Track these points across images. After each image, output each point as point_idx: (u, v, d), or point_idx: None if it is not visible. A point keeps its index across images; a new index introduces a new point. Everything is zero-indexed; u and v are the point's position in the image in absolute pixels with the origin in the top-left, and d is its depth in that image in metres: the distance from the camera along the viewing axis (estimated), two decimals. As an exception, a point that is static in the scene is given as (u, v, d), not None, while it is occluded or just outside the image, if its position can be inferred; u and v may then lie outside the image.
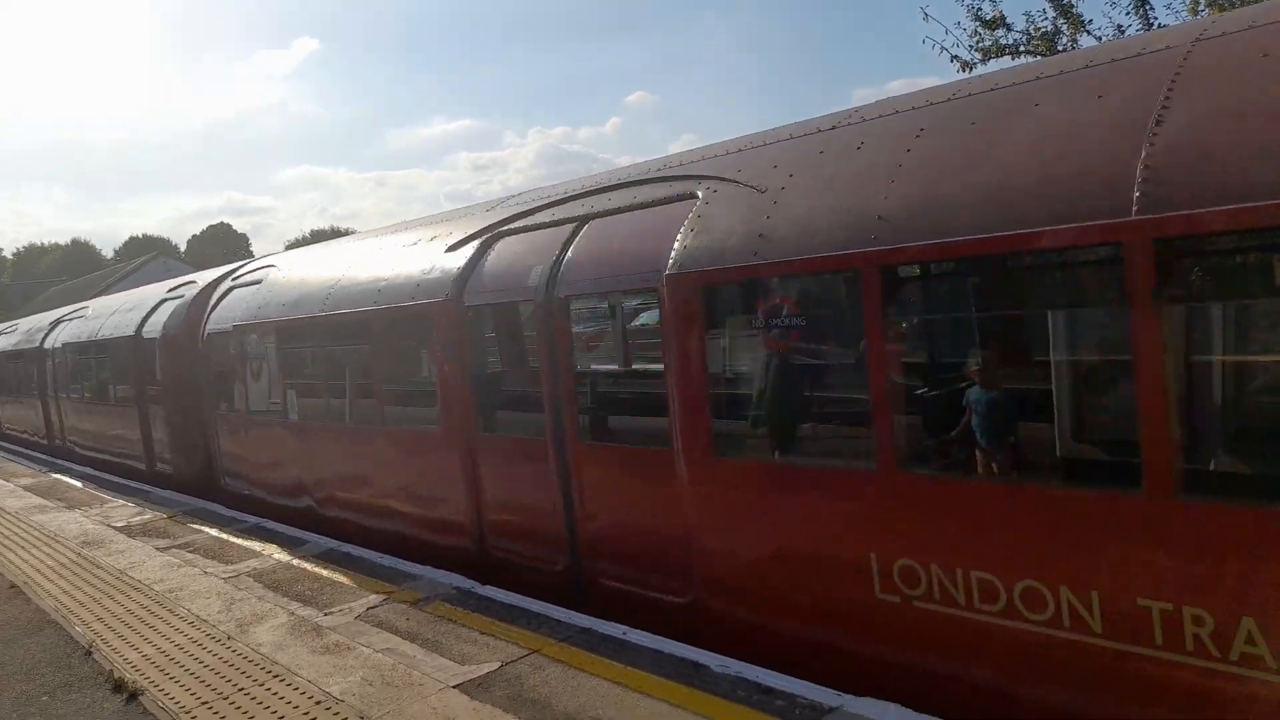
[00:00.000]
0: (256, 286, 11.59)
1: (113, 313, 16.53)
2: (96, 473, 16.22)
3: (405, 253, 8.89)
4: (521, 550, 7.29)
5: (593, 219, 6.81)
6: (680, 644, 5.50)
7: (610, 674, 5.25)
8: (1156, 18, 11.88)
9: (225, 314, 12.01)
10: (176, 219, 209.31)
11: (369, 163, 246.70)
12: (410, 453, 8.44)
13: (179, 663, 6.17)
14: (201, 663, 6.12)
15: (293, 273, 11.03)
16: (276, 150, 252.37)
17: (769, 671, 5.00)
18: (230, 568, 8.51)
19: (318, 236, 77.79)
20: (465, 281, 7.59)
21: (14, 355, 23.20)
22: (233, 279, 12.74)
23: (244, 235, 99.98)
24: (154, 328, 13.71)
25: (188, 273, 25.40)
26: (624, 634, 5.82)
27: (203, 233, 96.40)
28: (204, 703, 5.47)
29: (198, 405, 12.82)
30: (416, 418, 8.50)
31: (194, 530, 10.38)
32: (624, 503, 6.28)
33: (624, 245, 6.36)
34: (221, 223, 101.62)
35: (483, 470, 7.56)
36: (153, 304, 14.44)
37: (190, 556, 9.09)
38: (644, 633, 5.79)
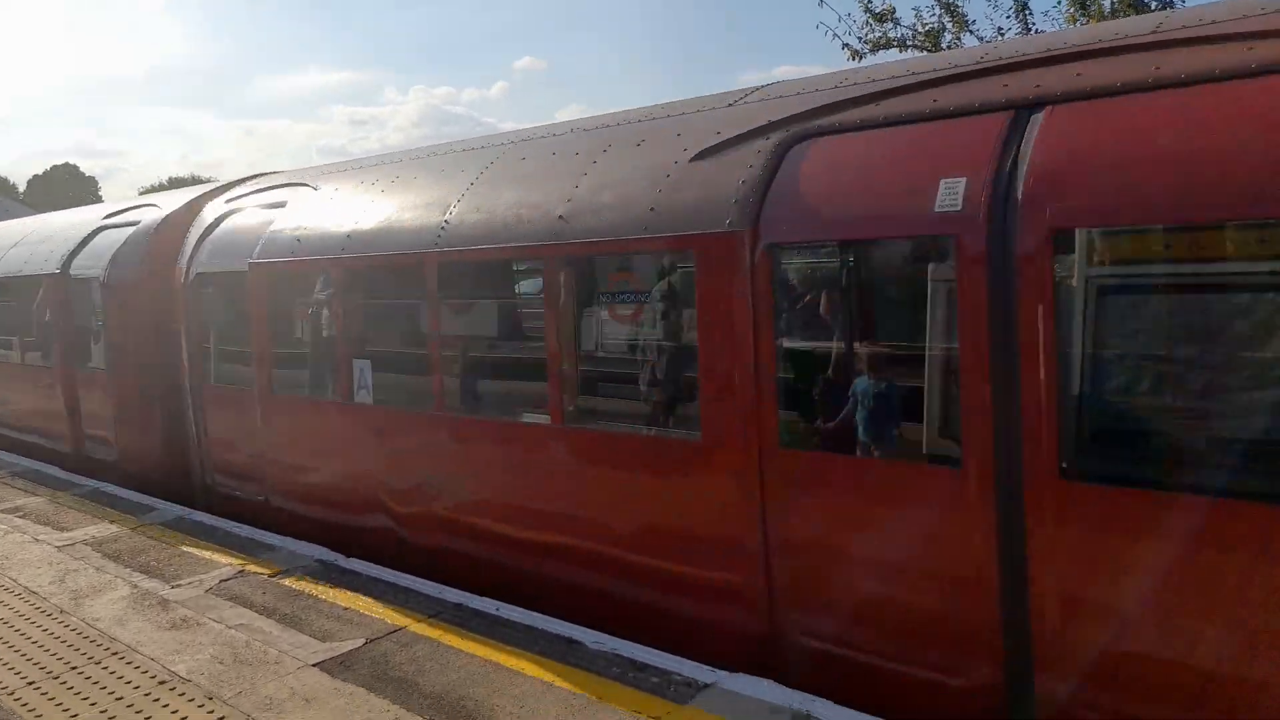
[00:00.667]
0: (281, 212, 8.34)
1: (14, 244, 12.85)
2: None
3: (584, 162, 5.95)
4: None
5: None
6: (555, 620, 5.39)
7: (482, 651, 5.08)
8: (1035, 23, 12.38)
9: (228, 248, 8.74)
10: (16, 158, 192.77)
11: (237, 110, 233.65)
12: (641, 469, 5.38)
13: (3, 639, 5.62)
14: (30, 639, 5.60)
15: (351, 193, 7.73)
16: (136, 92, 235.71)
17: (644, 648, 4.94)
18: (66, 535, 7.84)
19: (175, 183, 72.97)
20: (761, 205, 4.78)
21: None
22: (229, 200, 9.49)
23: (93, 178, 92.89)
24: (91, 264, 10.33)
25: (26, 214, 23.13)
26: (496, 609, 5.66)
27: (46, 173, 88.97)
28: (30, 683, 4.99)
29: (163, 373, 9.51)
30: (637, 416, 5.95)
31: (24, 492, 9.54)
32: None
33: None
34: (67, 163, 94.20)
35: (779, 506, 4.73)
36: (84, 233, 10.92)
37: (19, 522, 8.33)
38: (517, 608, 5.64)
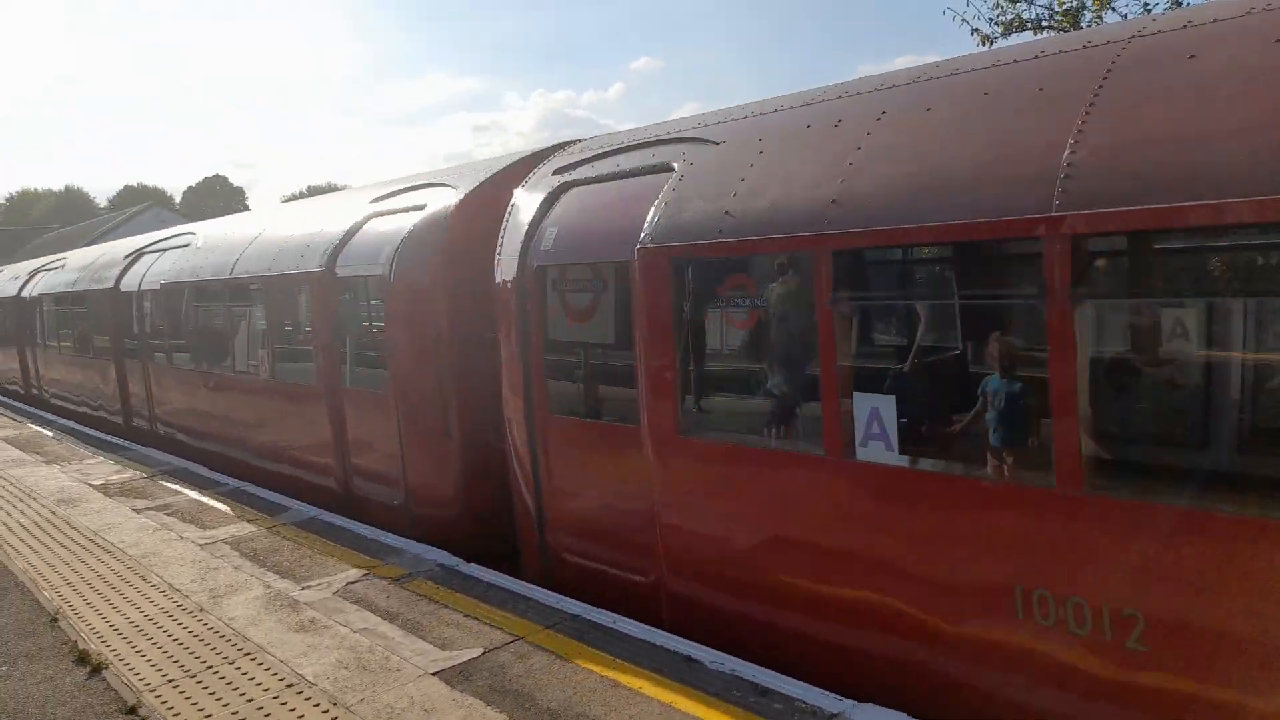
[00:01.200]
0: (672, 178, 5.91)
1: (250, 242, 11.12)
2: (80, 427, 15.88)
3: None
4: None
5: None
6: (673, 636, 5.24)
7: (599, 666, 4.98)
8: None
9: (583, 232, 6.50)
10: (173, 170, 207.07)
11: (368, 119, 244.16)
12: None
13: (148, 635, 5.89)
14: (171, 636, 5.85)
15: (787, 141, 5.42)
16: (274, 104, 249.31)
17: (765, 670, 4.74)
18: (208, 533, 8.22)
19: (314, 191, 76.86)
20: None
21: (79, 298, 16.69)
22: (560, 170, 7.11)
23: (240, 188, 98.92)
24: (364, 260, 8.60)
25: (181, 224, 24.69)
26: (614, 622, 5.56)
27: (199, 184, 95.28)
28: (170, 680, 5.19)
29: (470, 396, 7.66)
30: None
31: (173, 491, 10.08)
32: None
33: None
34: (218, 175, 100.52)
35: None
36: (349, 224, 9.07)
37: (167, 520, 8.80)
38: (634, 622, 5.52)
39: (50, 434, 15.10)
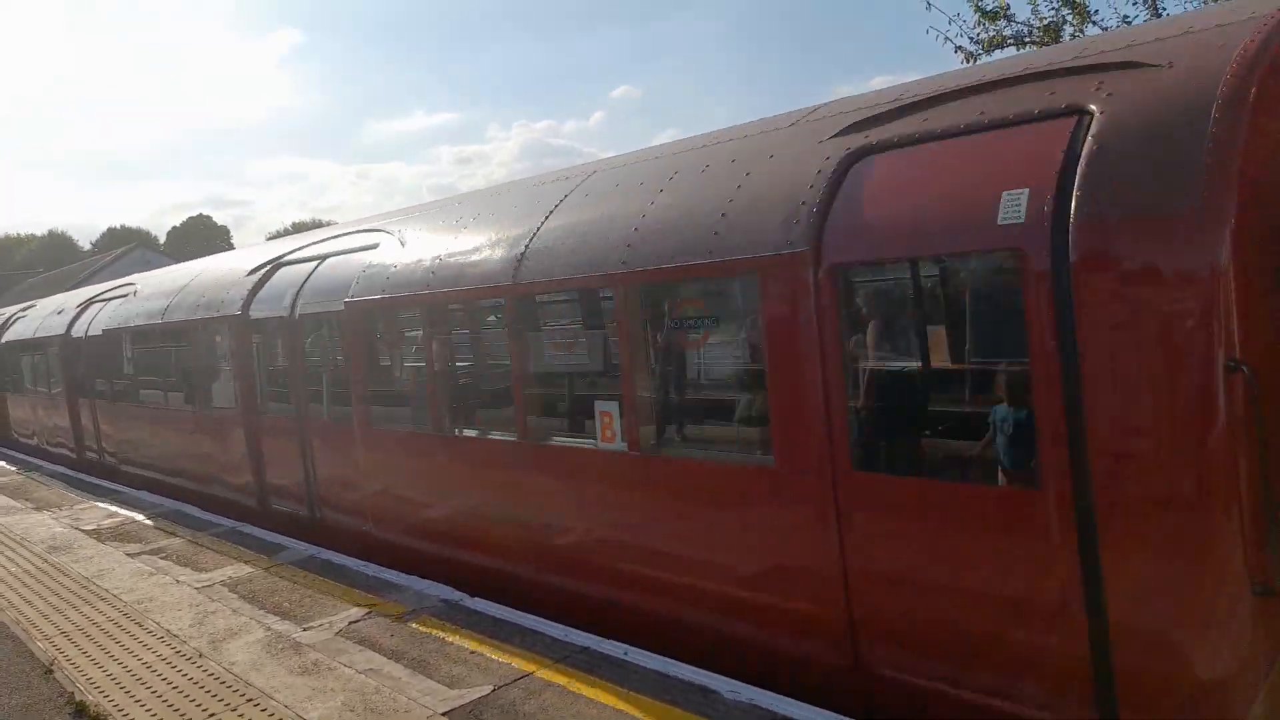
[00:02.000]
0: None
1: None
2: (73, 473, 15.67)
3: None
4: None
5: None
6: (687, 666, 5.13)
7: (611, 699, 4.86)
8: (1165, 8, 11.57)
9: None
10: (157, 211, 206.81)
11: (350, 155, 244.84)
12: None
13: (146, 683, 5.74)
14: (170, 684, 5.70)
15: None
16: (258, 142, 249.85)
17: (784, 699, 4.63)
18: (204, 576, 8.06)
19: (298, 229, 76.74)
20: None
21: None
22: None
23: (224, 228, 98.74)
24: None
25: (167, 264, 24.61)
26: (625, 654, 5.44)
27: (183, 225, 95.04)
28: (171, 730, 5.05)
29: None
30: None
31: (167, 534, 9.91)
32: None
33: None
34: (201, 215, 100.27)
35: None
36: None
37: (162, 564, 8.63)
38: (647, 653, 5.41)
39: (33, 478, 14.88)
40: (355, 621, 6.50)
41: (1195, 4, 11.50)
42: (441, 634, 6.09)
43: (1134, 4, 11.88)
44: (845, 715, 4.41)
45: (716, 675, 4.97)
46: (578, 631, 5.85)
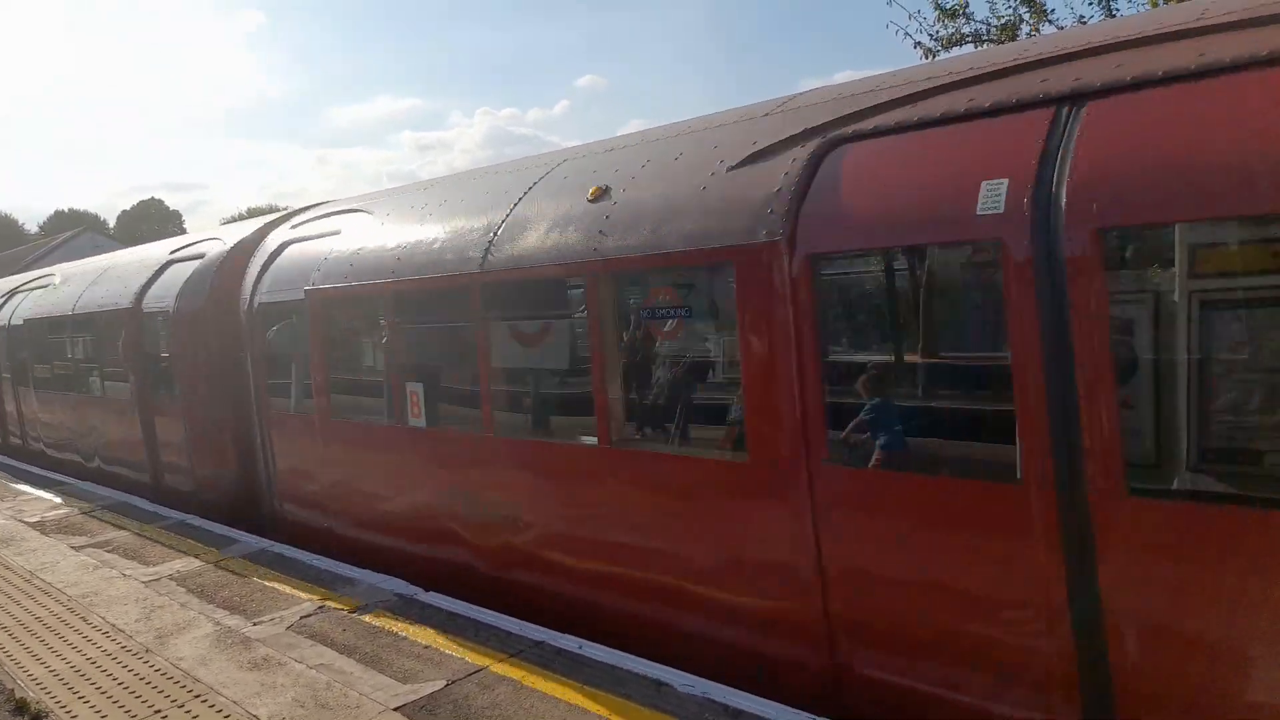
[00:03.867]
0: None
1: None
2: (13, 462, 15.28)
3: None
4: None
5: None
6: (641, 660, 5.14)
7: (565, 693, 4.86)
8: (1119, 8, 11.77)
9: None
10: (109, 194, 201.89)
11: (312, 140, 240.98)
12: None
13: (90, 680, 5.61)
14: (116, 680, 5.58)
15: None
16: (218, 126, 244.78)
17: (736, 691, 4.66)
18: (151, 570, 7.90)
19: (255, 213, 75.32)
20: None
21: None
22: None
23: (177, 212, 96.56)
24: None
25: (115, 249, 23.97)
26: (579, 648, 5.44)
27: (133, 209, 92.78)
28: (115, 728, 4.95)
29: None
30: None
31: (113, 526, 9.70)
32: None
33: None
34: (153, 198, 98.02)
35: None
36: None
37: (108, 556, 8.45)
38: (601, 647, 5.41)
39: (-19, 470, 14.48)
40: (307, 616, 6.42)
41: (1144, 5, 11.72)
42: (395, 628, 6.03)
43: (1090, 4, 12.07)
44: (798, 707, 4.45)
45: (670, 669, 4.98)
46: (533, 626, 5.83)
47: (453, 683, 5.11)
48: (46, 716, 5.16)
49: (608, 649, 5.35)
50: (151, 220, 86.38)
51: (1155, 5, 11.73)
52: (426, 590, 6.73)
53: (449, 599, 6.50)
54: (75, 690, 5.48)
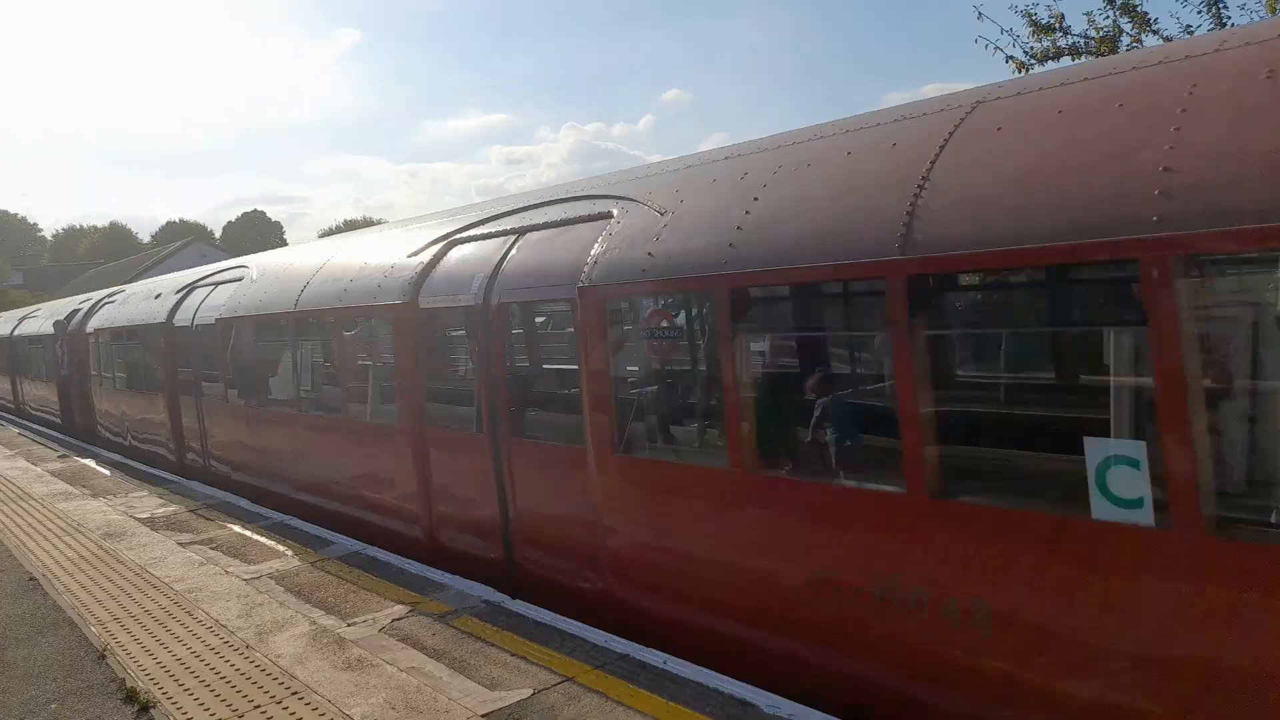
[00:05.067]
0: None
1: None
2: (125, 460, 16.11)
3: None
4: None
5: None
6: (728, 679, 5.11)
7: (651, 709, 4.87)
8: (1230, 17, 11.28)
9: None
10: (214, 206, 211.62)
11: (404, 154, 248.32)
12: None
13: (195, 673, 5.87)
14: (218, 674, 5.83)
15: None
16: (315, 140, 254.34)
17: (825, 715, 4.59)
18: (252, 568, 8.23)
19: (350, 226, 78.08)
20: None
21: None
22: None
23: (278, 223, 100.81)
24: None
25: (222, 258, 25.27)
26: (664, 663, 5.44)
27: (238, 220, 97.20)
28: (219, 720, 5.17)
29: None
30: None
31: (218, 525, 10.14)
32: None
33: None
34: (256, 210, 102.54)
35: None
36: None
37: (212, 554, 8.83)
38: (685, 662, 5.41)
39: (96, 466, 15.30)
40: (398, 619, 6.59)
41: (1261, 14, 11.20)
42: (482, 635, 6.14)
43: (1199, 13, 11.60)
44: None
45: (756, 689, 4.95)
46: (618, 639, 5.86)
47: (539, 692, 5.18)
48: (154, 706, 5.42)
49: (693, 665, 5.34)
50: (255, 230, 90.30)
51: (1272, 10, 11.20)
52: (513, 598, 6.83)
53: (535, 607, 6.59)
54: (181, 682, 5.73)
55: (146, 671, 5.94)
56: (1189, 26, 11.72)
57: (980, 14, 12.59)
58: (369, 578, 7.68)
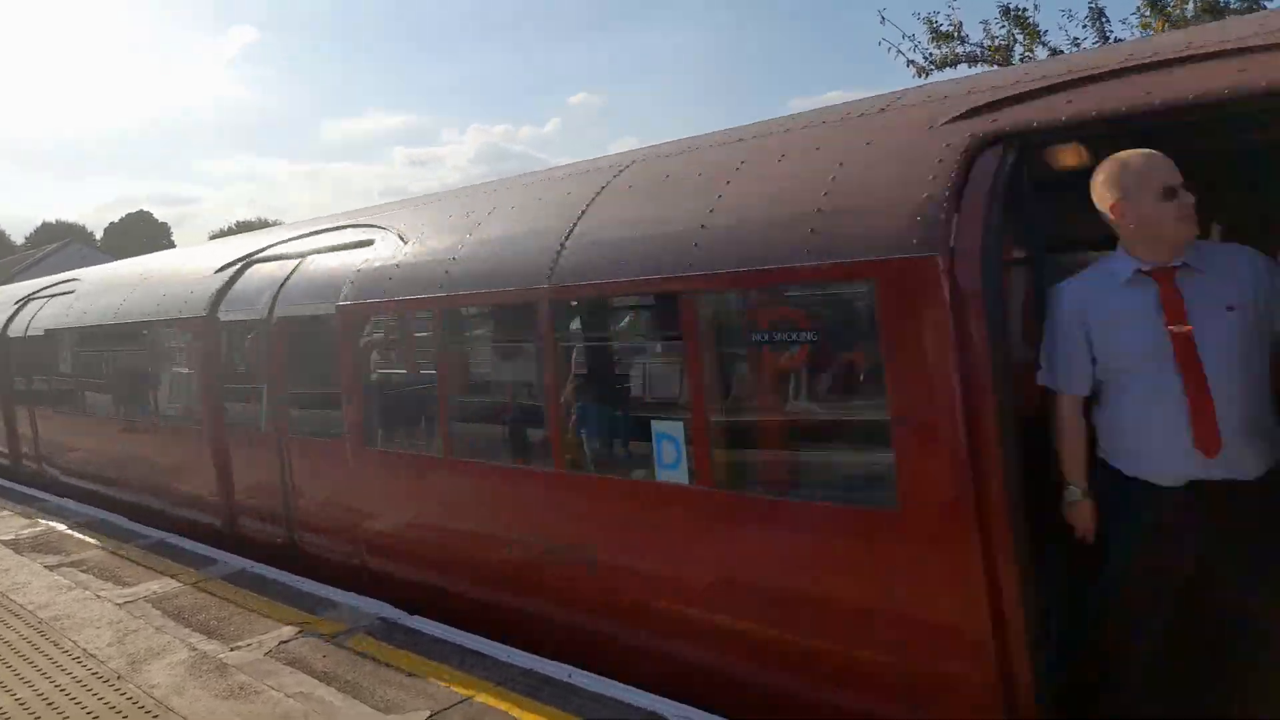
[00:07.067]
0: None
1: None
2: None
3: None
4: None
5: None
6: (635, 690, 4.95)
7: (555, 725, 4.67)
8: (1112, 31, 11.78)
9: None
10: (97, 206, 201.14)
11: (304, 154, 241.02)
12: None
13: (58, 708, 5.38)
14: (85, 709, 5.35)
15: None
16: (209, 140, 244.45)
17: (730, 723, 4.50)
18: (127, 591, 7.67)
19: (244, 228, 74.99)
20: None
21: None
22: None
23: (165, 224, 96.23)
24: None
25: (104, 261, 23.89)
26: (569, 676, 5.25)
27: (121, 221, 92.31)
28: (82, 760, 4.73)
29: None
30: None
31: (90, 545, 9.45)
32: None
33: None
34: (141, 211, 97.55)
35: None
36: None
37: (83, 577, 8.20)
38: (590, 675, 5.22)
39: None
40: (286, 641, 6.20)
41: (1137, 31, 11.73)
42: (378, 654, 5.83)
43: (1083, 26, 12.09)
44: None
45: (663, 699, 4.80)
46: (520, 653, 5.63)
47: (436, 713, 4.91)
48: (10, 747, 4.94)
49: (597, 677, 5.16)
50: (140, 233, 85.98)
51: (1145, 26, 11.76)
52: (411, 614, 6.53)
53: (435, 624, 6.30)
54: None
55: (3, 711, 5.42)
56: (1076, 39, 12.20)
57: (884, 18, 12.88)
58: (255, 598, 7.23)
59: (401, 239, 7.16)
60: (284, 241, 9.14)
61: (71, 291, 13.29)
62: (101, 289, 12.23)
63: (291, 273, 8.23)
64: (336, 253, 7.96)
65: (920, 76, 12.80)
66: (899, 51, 13.00)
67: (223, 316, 8.95)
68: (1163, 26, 11.11)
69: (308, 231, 8.97)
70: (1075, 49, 11.75)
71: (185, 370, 10.21)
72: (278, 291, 8.18)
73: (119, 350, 11.42)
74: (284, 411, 8.17)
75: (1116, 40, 11.55)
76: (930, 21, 12.91)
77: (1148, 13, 11.90)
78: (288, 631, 6.38)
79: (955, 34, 12.90)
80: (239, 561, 8.34)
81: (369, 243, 7.56)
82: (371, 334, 7.59)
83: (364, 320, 7.32)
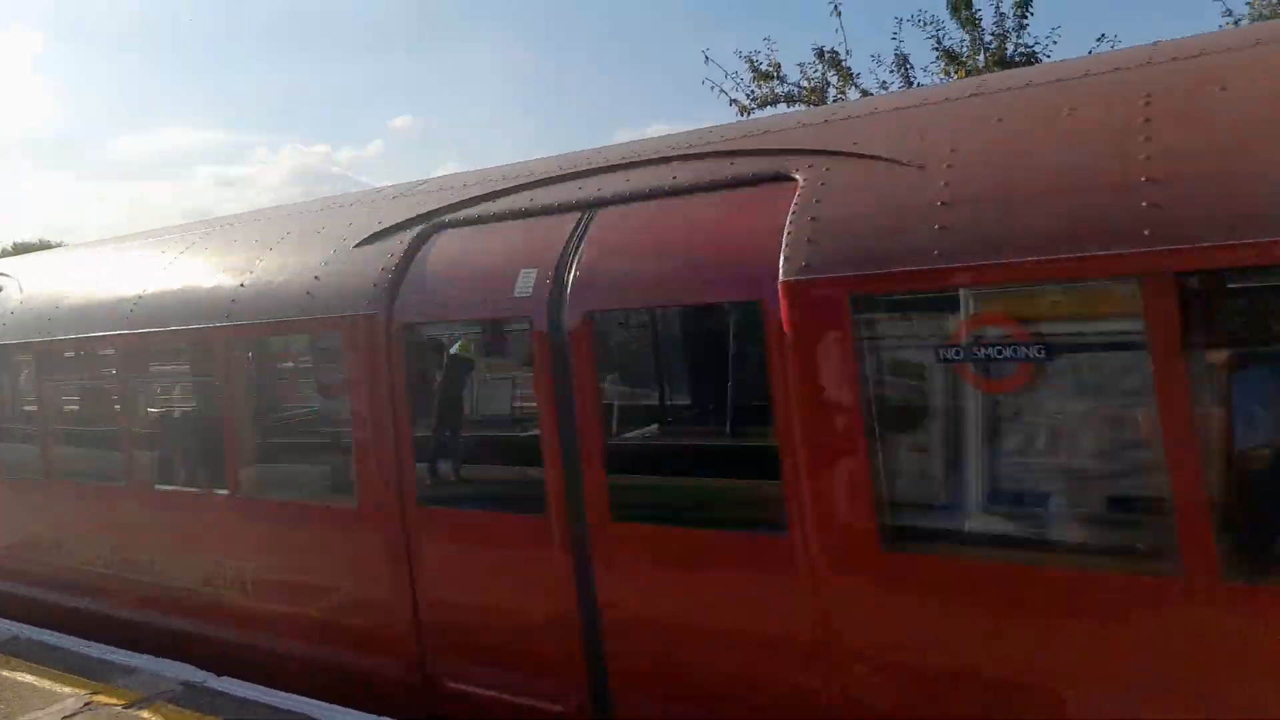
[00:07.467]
0: None
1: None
2: None
3: None
4: None
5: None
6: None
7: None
8: (915, 78, 12.62)
9: None
10: None
11: (90, 171, 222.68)
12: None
13: None
14: None
15: None
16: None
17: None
18: None
19: (19, 250, 67.93)
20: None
21: None
22: None
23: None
24: None
25: None
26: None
27: None
28: None
29: None
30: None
31: None
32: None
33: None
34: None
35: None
36: None
37: None
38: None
39: None
40: (70, 715, 5.52)
41: (939, 77, 12.64)
42: (178, 723, 5.28)
43: (891, 71, 12.87)
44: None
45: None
46: (331, 706, 5.26)
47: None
48: None
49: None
50: (-102, 254, 76.56)
51: (947, 74, 12.70)
52: (219, 675, 5.98)
53: (244, 684, 5.79)
54: None
55: None
56: (884, 82, 12.98)
57: (708, 58, 13.27)
58: (33, 667, 6.41)
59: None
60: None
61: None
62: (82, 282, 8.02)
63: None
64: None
65: (742, 114, 13.25)
66: (721, 90, 13.42)
67: None
68: (962, 75, 11.99)
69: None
70: (884, 91, 12.53)
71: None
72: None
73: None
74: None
75: (918, 84, 12.39)
76: (751, 61, 13.41)
77: (945, 62, 12.85)
78: (71, 703, 5.68)
79: (774, 74, 13.45)
80: (13, 626, 7.40)
81: None
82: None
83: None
